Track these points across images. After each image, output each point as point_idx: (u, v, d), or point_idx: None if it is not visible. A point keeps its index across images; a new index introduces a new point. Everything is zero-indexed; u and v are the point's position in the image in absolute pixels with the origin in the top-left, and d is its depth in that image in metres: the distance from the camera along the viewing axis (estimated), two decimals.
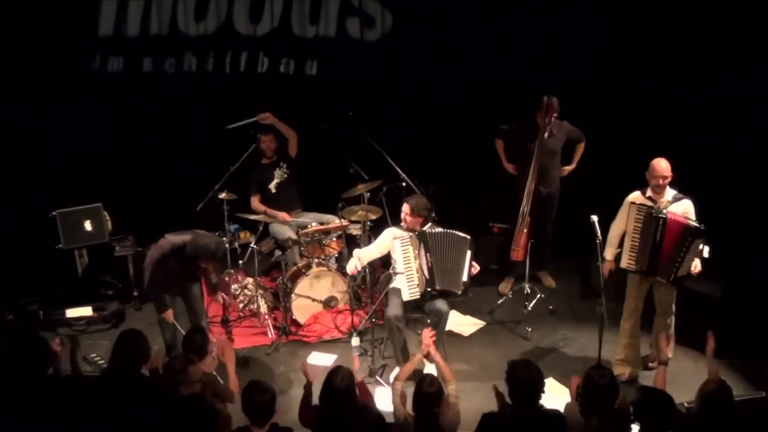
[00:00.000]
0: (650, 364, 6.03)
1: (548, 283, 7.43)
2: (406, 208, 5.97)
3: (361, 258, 6.00)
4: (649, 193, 5.66)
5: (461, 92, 7.77)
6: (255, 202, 7.24)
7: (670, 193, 5.64)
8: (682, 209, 5.60)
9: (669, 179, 5.58)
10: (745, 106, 7.04)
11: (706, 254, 5.56)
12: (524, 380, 4.14)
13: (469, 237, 6.02)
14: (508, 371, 4.23)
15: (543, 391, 4.19)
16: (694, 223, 5.53)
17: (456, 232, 6.00)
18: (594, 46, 7.45)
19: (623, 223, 5.74)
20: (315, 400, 4.52)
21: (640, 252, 5.63)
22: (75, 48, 7.48)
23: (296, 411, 4.60)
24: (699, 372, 5.80)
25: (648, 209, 5.59)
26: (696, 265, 5.61)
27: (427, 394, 4.15)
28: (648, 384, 4.78)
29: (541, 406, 4.20)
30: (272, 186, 7.22)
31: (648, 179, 5.63)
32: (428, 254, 5.90)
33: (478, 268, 6.09)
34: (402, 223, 6.04)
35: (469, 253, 5.97)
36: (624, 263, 5.73)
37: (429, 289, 5.90)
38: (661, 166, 5.56)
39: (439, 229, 5.99)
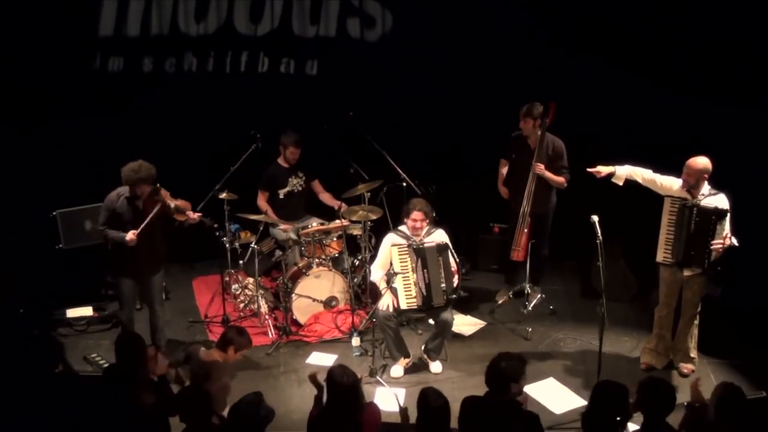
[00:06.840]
0: (681, 369, 5.95)
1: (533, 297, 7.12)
2: (419, 215, 5.89)
3: (378, 274, 6.07)
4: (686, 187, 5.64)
5: (461, 92, 7.76)
6: (261, 199, 7.18)
7: (705, 189, 5.62)
8: (715, 204, 5.56)
9: (698, 177, 5.52)
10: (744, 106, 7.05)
11: (735, 242, 5.51)
12: (501, 371, 4.24)
13: (442, 241, 5.97)
14: (493, 359, 4.34)
15: (516, 381, 4.27)
16: (720, 207, 5.51)
17: (438, 242, 5.96)
18: (594, 47, 7.45)
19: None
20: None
21: (675, 244, 5.63)
22: (75, 48, 7.47)
23: (296, 410, 4.60)
24: (698, 373, 5.81)
25: (682, 201, 5.60)
26: (728, 235, 5.49)
27: (435, 408, 4.05)
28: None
29: (516, 400, 4.29)
30: (282, 193, 7.19)
31: (684, 178, 5.59)
32: (425, 270, 5.88)
33: (456, 269, 6.00)
34: (406, 229, 6.01)
35: (441, 260, 5.90)
36: (660, 257, 5.72)
37: (425, 306, 5.94)
38: (698, 164, 5.52)
39: (433, 242, 5.94)
